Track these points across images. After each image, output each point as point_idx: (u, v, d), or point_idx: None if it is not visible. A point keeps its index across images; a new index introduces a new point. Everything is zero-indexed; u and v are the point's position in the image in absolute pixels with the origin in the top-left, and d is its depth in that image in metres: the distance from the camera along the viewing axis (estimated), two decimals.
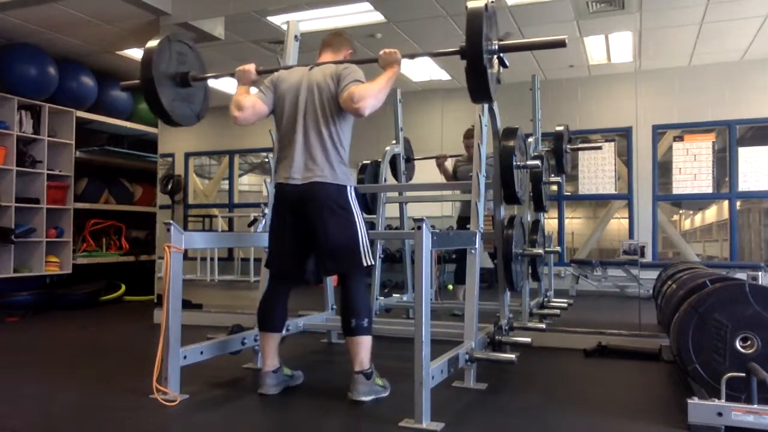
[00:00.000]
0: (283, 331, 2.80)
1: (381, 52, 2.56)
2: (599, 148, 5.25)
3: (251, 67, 2.76)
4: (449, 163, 5.03)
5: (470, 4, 2.28)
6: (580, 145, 5.18)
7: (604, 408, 2.52)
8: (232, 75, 2.80)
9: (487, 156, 3.16)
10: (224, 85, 6.08)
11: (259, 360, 3.14)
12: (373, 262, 2.66)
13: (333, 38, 2.83)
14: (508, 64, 2.49)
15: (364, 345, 2.57)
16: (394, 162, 4.57)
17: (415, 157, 4.86)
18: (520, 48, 2.64)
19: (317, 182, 2.56)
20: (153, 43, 2.76)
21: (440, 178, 4.93)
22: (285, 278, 2.77)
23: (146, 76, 2.71)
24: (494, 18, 2.40)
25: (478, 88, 2.35)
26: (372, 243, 4.09)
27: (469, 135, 4.36)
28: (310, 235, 2.62)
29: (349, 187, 2.62)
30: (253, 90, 2.77)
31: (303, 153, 2.60)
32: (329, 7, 4.71)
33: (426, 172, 5.06)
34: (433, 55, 2.72)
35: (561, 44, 2.34)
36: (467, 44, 2.26)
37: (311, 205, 2.57)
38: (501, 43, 2.41)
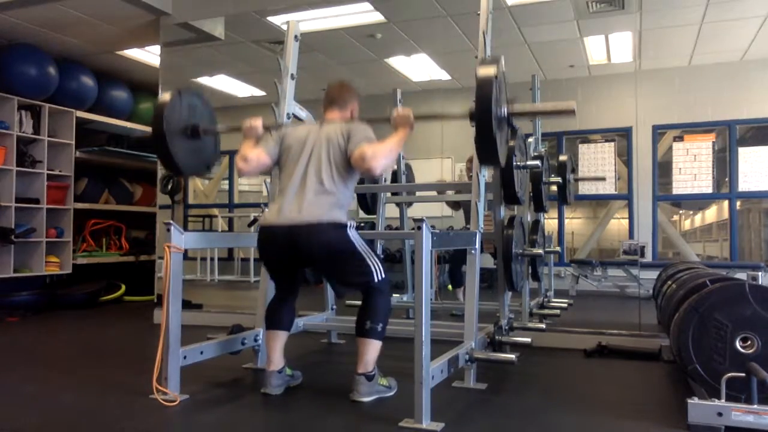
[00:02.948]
0: (290, 331, 2.80)
1: (394, 113, 2.61)
2: (603, 179, 5.26)
3: (258, 123, 2.80)
4: (451, 192, 5.05)
5: (480, 72, 2.33)
6: (584, 176, 5.17)
7: (605, 408, 2.52)
8: (239, 129, 2.83)
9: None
10: (225, 85, 6.10)
11: (259, 360, 3.14)
12: (384, 276, 2.64)
13: (338, 93, 2.85)
14: (516, 127, 2.53)
15: (373, 348, 2.58)
16: (394, 172, 4.56)
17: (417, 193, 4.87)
18: (529, 114, 2.72)
19: (315, 223, 2.53)
20: (165, 98, 2.80)
21: (440, 179, 4.93)
22: (289, 290, 2.84)
23: (158, 131, 2.75)
24: (504, 84, 2.45)
25: (487, 152, 2.42)
26: (371, 243, 4.13)
27: (471, 159, 4.40)
28: (309, 266, 2.70)
29: (346, 223, 2.59)
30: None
31: (300, 195, 2.58)
32: (329, 7, 4.71)
33: (426, 172, 5.07)
34: (444, 118, 2.78)
35: (570, 112, 2.41)
36: (476, 110, 2.31)
37: (310, 247, 2.55)
38: (510, 110, 2.47)
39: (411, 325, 2.53)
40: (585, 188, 5.51)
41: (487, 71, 2.34)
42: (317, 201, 2.56)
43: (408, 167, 4.77)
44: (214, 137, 3.05)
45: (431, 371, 2.26)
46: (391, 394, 2.63)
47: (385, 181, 4.38)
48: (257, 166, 2.73)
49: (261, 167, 2.76)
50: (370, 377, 2.56)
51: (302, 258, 2.60)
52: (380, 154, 2.50)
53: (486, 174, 3.10)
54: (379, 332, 2.58)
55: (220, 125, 3.03)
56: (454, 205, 4.99)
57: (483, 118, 2.30)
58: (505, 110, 2.47)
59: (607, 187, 5.46)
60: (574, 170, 4.73)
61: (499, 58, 2.43)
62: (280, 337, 2.74)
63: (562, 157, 4.60)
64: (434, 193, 5.17)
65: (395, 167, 4.55)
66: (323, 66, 5.56)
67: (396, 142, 2.57)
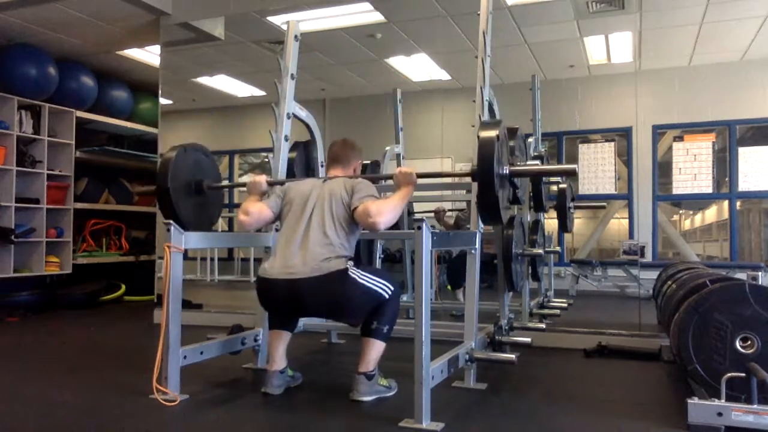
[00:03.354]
0: (293, 332, 2.81)
1: (397, 171, 2.67)
2: (603, 207, 5.26)
3: (261, 179, 2.88)
4: (450, 216, 5.06)
5: (482, 134, 2.41)
6: (583, 204, 5.17)
7: (604, 408, 2.52)
8: (244, 185, 2.90)
9: None
10: (225, 85, 6.10)
11: (259, 360, 3.14)
12: (394, 289, 2.65)
13: (341, 151, 2.88)
14: (518, 185, 2.60)
15: (376, 349, 2.59)
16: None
17: (416, 211, 4.87)
18: (530, 174, 2.80)
19: (315, 277, 2.51)
20: (170, 154, 2.84)
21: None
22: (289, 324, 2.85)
23: (162, 186, 2.79)
24: (505, 144, 2.51)
25: (489, 212, 2.49)
26: (371, 243, 4.13)
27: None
28: (315, 315, 2.79)
29: (348, 269, 2.56)
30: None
31: (303, 250, 2.57)
32: (329, 7, 4.71)
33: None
34: (446, 176, 2.91)
35: (572, 173, 2.47)
36: (479, 170, 2.37)
37: (314, 299, 2.54)
38: (512, 168, 2.52)
39: (411, 325, 2.52)
40: (585, 188, 5.51)
41: (489, 133, 2.41)
42: (321, 253, 2.54)
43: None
44: (218, 194, 3.07)
45: (431, 371, 2.26)
46: (391, 394, 2.64)
47: (385, 180, 4.38)
48: (258, 220, 2.77)
49: (262, 221, 2.80)
50: (370, 377, 2.57)
51: (306, 309, 2.64)
52: (384, 211, 2.52)
53: None
54: (384, 333, 2.60)
55: (225, 182, 3.07)
56: (455, 226, 4.99)
57: (485, 178, 2.37)
58: (506, 169, 2.51)
59: (607, 187, 5.46)
60: (574, 199, 4.71)
61: (500, 122, 2.52)
62: (284, 338, 2.74)
63: (562, 186, 4.52)
64: (434, 193, 5.17)
65: (396, 150, 4.54)
66: (323, 66, 5.57)
67: (399, 200, 2.59)
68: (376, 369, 2.60)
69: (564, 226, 4.63)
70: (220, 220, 6.59)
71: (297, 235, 2.61)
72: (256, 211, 2.74)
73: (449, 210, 5.05)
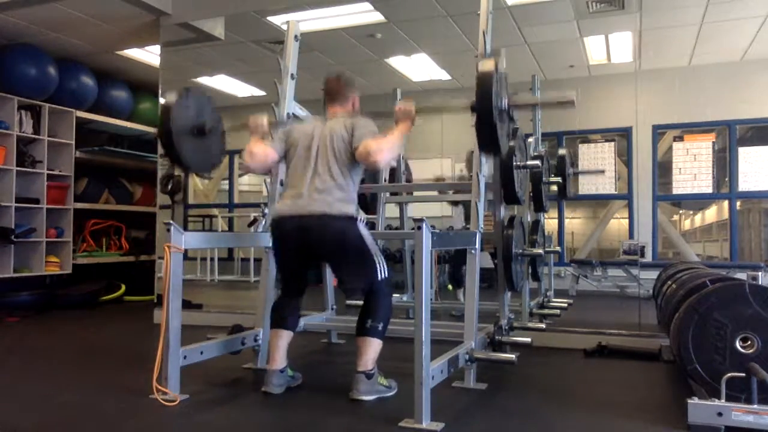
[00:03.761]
0: (294, 331, 2.82)
1: (396, 107, 2.67)
2: (602, 172, 5.25)
3: (263, 120, 2.88)
4: (451, 192, 5.05)
5: (481, 65, 2.40)
6: (583, 170, 5.17)
7: (604, 408, 2.52)
8: (246, 126, 2.89)
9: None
10: (225, 85, 6.10)
11: (259, 360, 3.14)
12: (387, 275, 2.69)
13: (336, 87, 2.86)
14: (517, 126, 2.61)
15: (373, 347, 2.59)
16: (392, 170, 4.56)
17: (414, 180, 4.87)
18: (529, 105, 2.81)
19: (324, 214, 2.59)
20: (171, 97, 2.85)
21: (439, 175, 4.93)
22: (297, 291, 2.87)
23: (165, 128, 2.80)
24: (504, 77, 2.52)
25: (487, 141, 2.48)
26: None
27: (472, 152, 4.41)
28: (319, 259, 2.75)
29: (356, 216, 2.65)
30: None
31: (310, 188, 2.63)
32: (329, 6, 4.71)
33: (426, 172, 5.07)
34: (445, 110, 2.88)
35: (570, 103, 2.49)
36: (477, 100, 2.37)
37: (321, 238, 2.60)
38: (511, 101, 2.54)
39: (411, 325, 2.53)
40: (585, 188, 5.51)
41: (488, 64, 2.40)
42: (327, 194, 2.60)
43: (406, 165, 4.77)
44: (218, 137, 3.08)
45: (431, 371, 2.26)
46: (391, 394, 2.64)
47: (385, 181, 4.38)
48: (264, 162, 2.79)
49: (268, 162, 2.81)
50: (369, 376, 2.57)
51: (313, 249, 2.65)
52: (384, 148, 2.54)
53: (486, 173, 3.10)
54: (380, 331, 2.60)
55: (226, 124, 3.08)
56: (453, 203, 4.99)
57: (484, 106, 2.36)
58: (505, 102, 2.51)
59: (607, 187, 5.46)
60: (574, 164, 4.72)
61: (500, 51, 2.51)
62: (284, 337, 2.74)
63: (561, 151, 4.63)
64: (434, 192, 5.17)
65: (395, 164, 4.54)
66: (323, 66, 5.57)
67: (399, 136, 2.63)
68: (375, 368, 2.60)
69: (564, 193, 4.64)
70: (220, 220, 6.61)
71: (305, 178, 2.65)
72: (261, 152, 2.75)
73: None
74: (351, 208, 2.65)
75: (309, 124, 2.82)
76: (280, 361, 2.71)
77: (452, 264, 5.08)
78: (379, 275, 2.64)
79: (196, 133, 2.92)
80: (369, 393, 2.56)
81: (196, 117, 2.93)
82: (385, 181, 4.38)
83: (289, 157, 2.77)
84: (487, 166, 3.15)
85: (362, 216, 2.69)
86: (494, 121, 2.39)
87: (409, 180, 4.80)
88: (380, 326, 2.60)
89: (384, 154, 2.54)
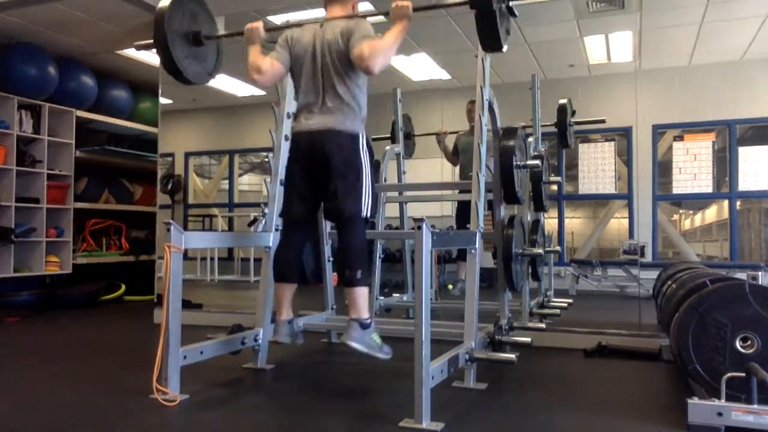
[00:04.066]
0: (297, 282, 2.82)
1: (393, 5, 2.57)
2: (603, 121, 5.18)
3: (259, 25, 2.81)
4: (450, 140, 5.03)
5: None
6: (583, 120, 5.12)
7: (604, 408, 2.52)
8: (242, 34, 2.84)
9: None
10: (225, 85, 6.10)
11: (259, 360, 3.15)
12: (371, 216, 2.68)
13: None
14: (516, 13, 2.55)
15: (360, 295, 2.58)
16: (393, 123, 4.55)
17: (416, 134, 4.86)
18: None
19: (331, 129, 2.61)
20: (165, 2, 2.79)
21: (440, 178, 4.93)
22: (298, 225, 2.82)
23: (159, 35, 2.76)
24: None
25: (489, 35, 2.40)
26: (371, 243, 4.13)
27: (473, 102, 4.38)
28: (320, 178, 2.67)
29: (360, 136, 2.67)
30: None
31: (321, 107, 2.65)
32: None
33: (426, 172, 5.07)
34: (443, 7, 2.75)
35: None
36: None
37: (324, 151, 2.62)
38: None
39: (411, 325, 2.53)
40: (585, 188, 5.51)
41: None
42: (336, 111, 2.63)
43: (406, 117, 4.77)
44: (216, 46, 3.07)
45: (431, 371, 2.25)
46: (383, 356, 2.59)
47: (385, 180, 4.38)
48: (273, 76, 2.76)
49: (276, 77, 2.78)
50: (364, 324, 2.55)
51: (317, 163, 2.64)
52: (379, 50, 2.48)
53: (485, 149, 3.09)
54: (360, 279, 2.58)
55: (223, 31, 3.04)
56: (453, 159, 4.96)
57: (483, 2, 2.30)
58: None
59: (607, 187, 5.46)
60: (574, 113, 4.70)
61: None
62: (288, 289, 2.77)
63: (562, 101, 4.60)
64: (434, 193, 5.17)
65: (394, 157, 4.54)
66: None
67: (394, 37, 2.54)
68: (371, 321, 2.60)
69: (565, 142, 4.65)
70: (220, 220, 6.61)
71: (315, 95, 2.66)
72: (268, 66, 2.72)
73: (450, 132, 5.02)
74: (357, 125, 2.66)
75: (308, 32, 2.73)
76: (286, 311, 2.74)
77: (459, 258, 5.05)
78: (363, 210, 2.63)
79: (191, 41, 2.88)
80: (361, 342, 2.52)
81: (191, 24, 2.89)
82: (385, 180, 4.38)
83: (296, 72, 2.74)
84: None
85: (364, 133, 2.69)
86: (494, 10, 2.34)
87: (409, 132, 4.77)
88: (358, 274, 2.58)
89: (378, 59, 2.47)
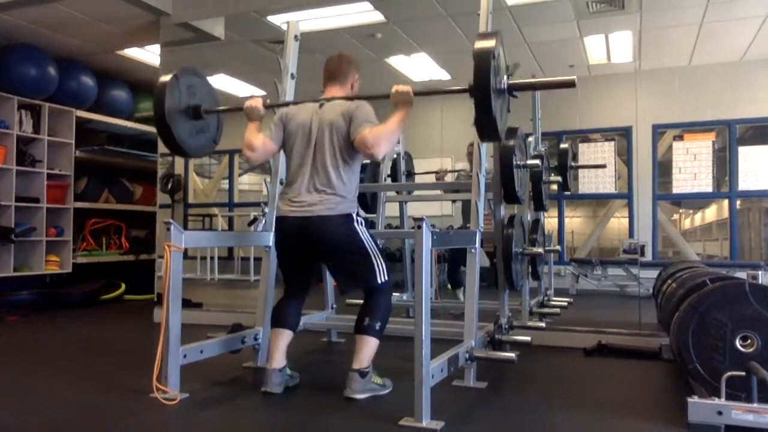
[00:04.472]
0: (295, 332, 2.82)
1: (393, 90, 2.55)
2: (604, 166, 5.24)
3: (258, 103, 2.80)
4: (449, 178, 5.05)
5: (477, 45, 2.26)
6: (584, 164, 5.17)
7: (604, 407, 2.52)
8: (242, 109, 2.84)
9: (486, 171, 3.17)
10: (225, 85, 6.10)
11: (259, 359, 3.15)
12: (387, 278, 2.67)
13: (336, 66, 2.81)
14: (517, 95, 2.50)
15: (369, 345, 2.59)
16: (394, 162, 4.57)
17: (416, 172, 4.86)
18: (529, 88, 2.67)
19: (323, 216, 2.59)
20: (164, 80, 2.80)
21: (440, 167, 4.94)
22: (300, 291, 2.87)
23: (159, 114, 2.76)
24: (503, 57, 2.40)
25: (486, 126, 2.35)
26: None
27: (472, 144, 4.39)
28: (319, 258, 2.74)
29: (354, 215, 2.65)
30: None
31: (310, 187, 2.63)
32: (329, 6, 4.71)
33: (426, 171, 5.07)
34: (445, 93, 2.79)
35: (571, 84, 2.37)
36: (475, 83, 2.25)
37: (320, 240, 2.61)
38: (510, 82, 2.41)
39: (411, 324, 2.53)
40: (585, 187, 5.51)
41: (485, 44, 2.26)
42: (326, 193, 2.60)
43: (408, 156, 4.77)
44: (216, 116, 3.06)
45: (431, 370, 2.26)
46: (385, 392, 2.63)
47: (385, 179, 4.38)
48: (264, 154, 2.78)
49: (268, 154, 2.81)
50: (363, 374, 2.56)
51: (312, 248, 2.65)
52: (382, 138, 2.50)
53: (485, 166, 3.10)
54: (377, 330, 2.60)
55: (222, 106, 3.05)
56: (454, 201, 4.98)
57: (481, 92, 2.24)
58: (504, 83, 2.40)
59: (608, 186, 5.47)
60: (575, 157, 4.72)
61: (498, 32, 2.37)
62: (285, 336, 2.74)
63: (563, 145, 4.64)
64: (435, 192, 5.18)
65: (395, 156, 4.54)
66: (323, 66, 5.56)
67: (397, 123, 2.54)
68: (370, 367, 2.60)
69: (566, 185, 4.66)
70: (220, 219, 6.61)
71: (304, 175, 2.64)
72: (260, 145, 2.73)
73: (449, 171, 5.04)
74: (350, 206, 2.64)
75: (306, 110, 2.73)
76: (279, 360, 2.70)
77: (450, 264, 5.08)
78: (378, 278, 2.63)
79: (192, 115, 2.88)
80: (362, 391, 2.56)
81: (190, 99, 2.87)
82: (385, 179, 4.38)
83: (288, 148, 2.74)
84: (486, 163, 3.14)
85: (359, 214, 2.68)
86: (492, 104, 2.27)
87: (410, 170, 4.78)
88: (377, 326, 2.60)
89: (382, 145, 2.50)
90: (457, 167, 5.12)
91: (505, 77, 2.41)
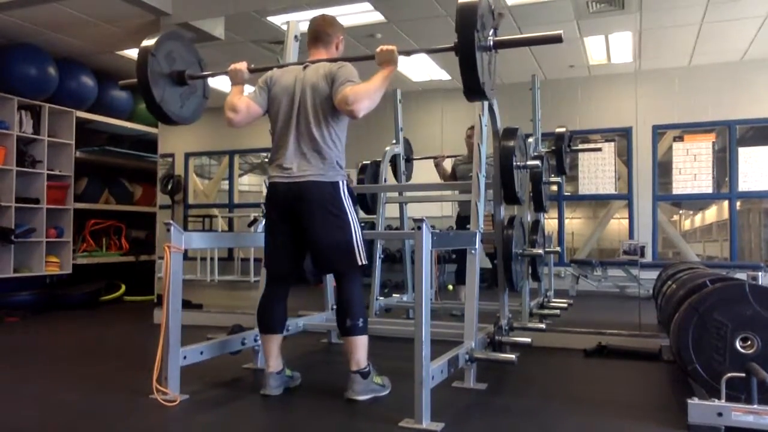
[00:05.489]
0: (284, 333, 2.80)
1: (378, 49, 2.53)
2: (599, 149, 5.24)
3: (243, 66, 2.76)
4: (447, 163, 5.04)
5: (461, 1, 2.21)
6: (581, 147, 5.17)
7: (604, 408, 2.52)
8: (227, 73, 2.80)
9: (487, 156, 3.16)
10: (224, 84, 6.10)
11: (259, 360, 3.14)
12: (367, 262, 2.65)
13: (320, 27, 2.77)
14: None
15: (359, 344, 2.58)
16: (394, 162, 4.57)
17: (415, 157, 4.86)
18: (516, 44, 2.59)
19: (309, 181, 2.55)
20: (148, 43, 2.75)
21: (439, 179, 4.93)
22: (282, 279, 2.76)
23: (142, 76, 2.72)
24: (488, 12, 2.34)
25: (471, 84, 2.31)
26: (371, 243, 4.13)
27: (472, 129, 4.36)
28: (303, 233, 2.62)
29: (341, 183, 2.61)
30: (248, 88, 2.76)
31: (296, 153, 2.59)
32: (329, 7, 4.70)
33: (426, 172, 5.07)
34: (429, 51, 2.69)
35: (557, 39, 2.28)
36: (459, 40, 2.21)
37: (304, 205, 2.57)
38: (495, 39, 2.35)
39: (411, 325, 2.53)
40: (585, 188, 5.52)
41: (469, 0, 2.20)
42: (311, 158, 2.57)
43: (407, 141, 4.76)
44: (202, 85, 3.03)
45: (431, 371, 2.26)
46: (386, 393, 2.63)
47: (385, 180, 4.38)
48: (247, 117, 2.68)
49: (251, 117, 2.71)
50: (364, 375, 2.56)
51: (298, 216, 2.59)
52: (363, 95, 2.44)
53: (485, 149, 3.09)
54: (361, 327, 2.58)
55: (209, 71, 3.01)
56: (450, 176, 4.96)
57: (466, 49, 2.20)
58: (491, 41, 2.34)
59: (607, 187, 5.47)
60: (571, 142, 4.71)
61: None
62: (275, 340, 2.71)
63: (559, 128, 4.62)
64: (434, 193, 5.17)
65: (395, 155, 4.53)
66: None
67: (380, 81, 2.49)
68: (369, 366, 2.60)
69: (561, 168, 4.68)
70: (220, 220, 6.61)
71: (289, 140, 2.60)
72: (243, 107, 2.66)
73: (447, 156, 5.03)
74: (335, 172, 2.59)
75: (290, 74, 2.69)
76: (274, 364, 2.69)
77: (458, 261, 5.05)
78: (358, 259, 2.59)
79: (175, 80, 2.84)
80: (364, 393, 2.55)
81: (175, 64, 2.84)
82: (385, 180, 4.38)
83: (273, 113, 2.69)
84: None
85: (345, 179, 2.61)
86: (477, 61, 2.23)
87: (408, 156, 4.77)
88: (359, 322, 2.57)
89: (363, 103, 2.43)
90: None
91: (491, 32, 2.34)
